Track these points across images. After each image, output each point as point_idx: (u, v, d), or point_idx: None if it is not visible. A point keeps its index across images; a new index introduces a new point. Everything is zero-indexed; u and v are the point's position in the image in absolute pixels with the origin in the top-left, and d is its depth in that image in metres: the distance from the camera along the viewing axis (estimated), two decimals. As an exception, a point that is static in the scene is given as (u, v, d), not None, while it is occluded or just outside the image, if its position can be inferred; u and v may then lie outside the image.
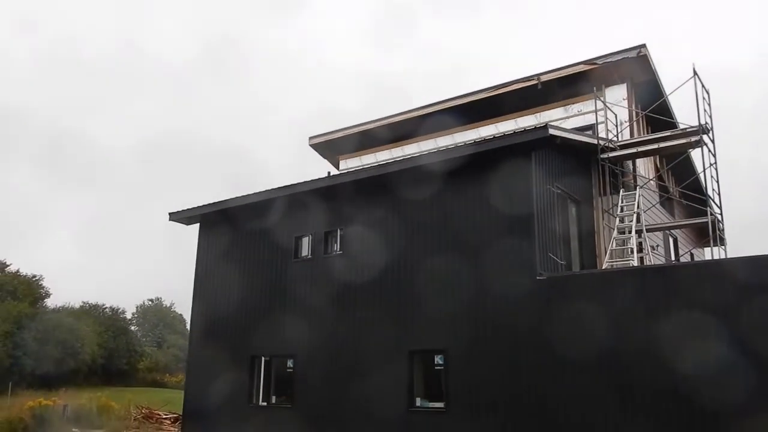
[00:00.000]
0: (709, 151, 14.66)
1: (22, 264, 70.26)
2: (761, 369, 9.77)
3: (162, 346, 65.17)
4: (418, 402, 13.29)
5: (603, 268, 14.04)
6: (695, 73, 14.52)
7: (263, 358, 16.12)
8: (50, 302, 50.24)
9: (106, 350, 45.98)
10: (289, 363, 15.55)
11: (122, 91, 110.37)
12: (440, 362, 13.08)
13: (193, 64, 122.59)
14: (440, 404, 12.91)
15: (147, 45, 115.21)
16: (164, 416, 23.59)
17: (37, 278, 49.42)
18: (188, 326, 20.00)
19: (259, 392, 15.96)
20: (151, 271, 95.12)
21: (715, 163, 14.80)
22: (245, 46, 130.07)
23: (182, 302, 73.57)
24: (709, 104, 14.81)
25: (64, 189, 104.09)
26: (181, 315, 71.91)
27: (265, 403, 15.86)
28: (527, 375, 11.71)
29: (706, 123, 14.46)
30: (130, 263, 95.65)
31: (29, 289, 46.95)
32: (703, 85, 14.63)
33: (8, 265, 48.87)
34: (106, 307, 54.39)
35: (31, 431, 18.70)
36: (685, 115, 16.47)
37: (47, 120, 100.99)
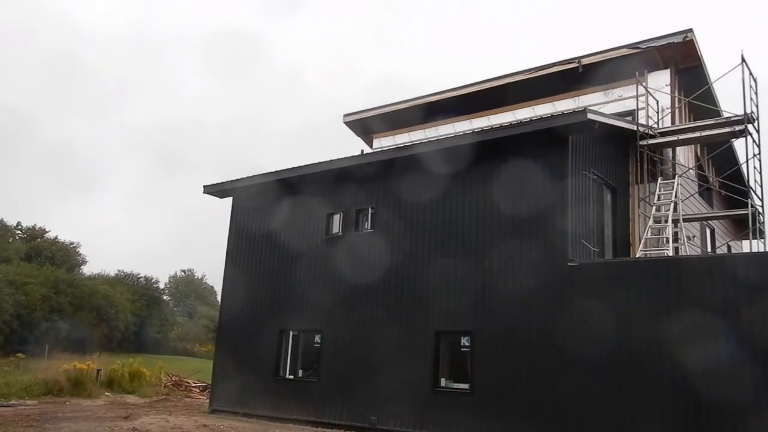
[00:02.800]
0: (754, 141, 14.25)
1: (60, 231, 72.12)
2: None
3: (193, 316, 66.39)
4: (443, 382, 13.33)
5: (637, 257, 13.81)
6: (743, 60, 14.08)
7: (291, 333, 16.30)
8: (86, 269, 51.60)
9: (139, 318, 47.00)
10: (317, 338, 15.70)
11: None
12: (466, 344, 13.07)
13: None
14: (465, 385, 12.93)
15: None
16: (193, 384, 24.08)
17: (74, 245, 50.74)
18: (219, 298, 20.32)
19: (286, 365, 16.17)
20: (184, 243, 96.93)
21: (759, 153, 14.39)
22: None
23: (214, 274, 74.85)
24: (756, 93, 14.36)
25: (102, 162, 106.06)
26: (212, 287, 73.21)
27: (291, 377, 16.08)
28: (555, 359, 11.63)
29: (752, 112, 14.04)
30: (165, 235, 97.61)
31: (66, 256, 48.26)
32: (750, 73, 14.20)
33: (47, 232, 50.23)
34: (140, 277, 55.55)
35: (65, 393, 19.22)
36: (730, 103, 16.05)
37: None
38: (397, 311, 14.15)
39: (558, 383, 11.50)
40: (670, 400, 10.39)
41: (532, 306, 12.15)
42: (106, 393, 20.38)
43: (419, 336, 13.62)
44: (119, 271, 54.76)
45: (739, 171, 16.64)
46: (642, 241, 14.14)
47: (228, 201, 18.82)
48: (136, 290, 50.86)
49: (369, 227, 15.26)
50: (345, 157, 15.74)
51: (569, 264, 11.85)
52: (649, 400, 10.59)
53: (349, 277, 15.13)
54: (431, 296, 13.67)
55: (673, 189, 14.55)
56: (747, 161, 14.25)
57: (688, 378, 10.22)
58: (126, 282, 52.45)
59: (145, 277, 55.86)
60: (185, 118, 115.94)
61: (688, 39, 15.26)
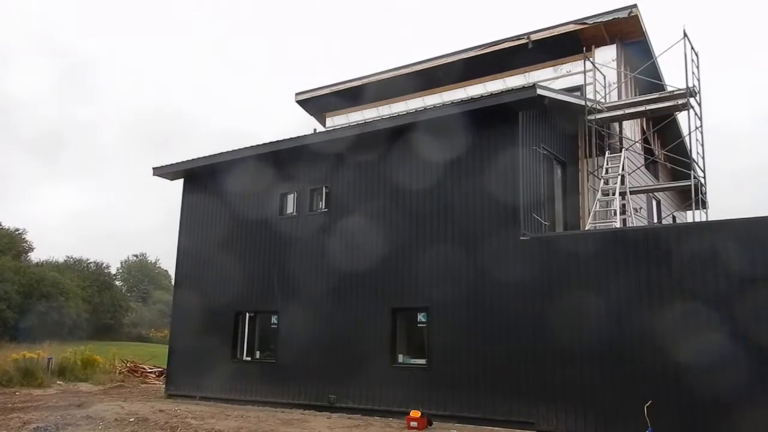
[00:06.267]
0: (696, 114, 14.67)
1: (4, 217, 69.63)
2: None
3: (147, 301, 65.37)
4: (401, 359, 13.49)
5: (585, 229, 14.15)
6: (685, 34, 14.43)
7: (247, 314, 16.20)
8: (33, 256, 50.10)
9: (91, 305, 46.03)
10: (273, 319, 15.65)
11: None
12: (422, 320, 13.23)
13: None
14: (422, 361, 13.10)
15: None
16: (149, 370, 23.77)
17: (20, 232, 49.13)
18: (173, 282, 20.03)
19: (243, 347, 16.09)
20: (136, 227, 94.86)
21: (701, 126, 14.84)
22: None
23: (168, 258, 73.64)
24: (698, 67, 14.77)
25: (48, 150, 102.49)
26: (166, 271, 72.08)
27: (249, 358, 16.01)
28: (508, 334, 11.88)
29: (694, 86, 14.44)
30: (116, 219, 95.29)
31: (12, 243, 46.68)
32: (692, 48, 14.56)
33: (-10, 219, 48.43)
34: (90, 262, 54.33)
35: (15, 383, 18.73)
36: (674, 77, 16.49)
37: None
38: (353, 287, 14.19)
39: (513, 353, 11.79)
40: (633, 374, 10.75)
41: (486, 281, 12.31)
42: (58, 382, 19.94)
43: (377, 312, 13.70)
44: (68, 257, 53.50)
45: (682, 144, 17.15)
46: (591, 214, 14.48)
47: (179, 183, 18.47)
48: (87, 276, 49.76)
49: (323, 206, 15.21)
50: (294, 137, 15.59)
51: (521, 238, 12.06)
52: (629, 382, 10.93)
53: (303, 256, 15.10)
54: (387, 272, 13.74)
55: (620, 162, 14.92)
56: (689, 134, 14.68)
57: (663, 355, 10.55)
58: (75, 268, 51.23)
59: (95, 262, 54.72)
60: (151, 103, 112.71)
61: (632, 14, 15.56)
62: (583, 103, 15.00)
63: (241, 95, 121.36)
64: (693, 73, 14.47)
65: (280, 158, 15.87)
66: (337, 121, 20.91)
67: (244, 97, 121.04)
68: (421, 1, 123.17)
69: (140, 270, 73.28)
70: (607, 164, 15.07)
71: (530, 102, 12.60)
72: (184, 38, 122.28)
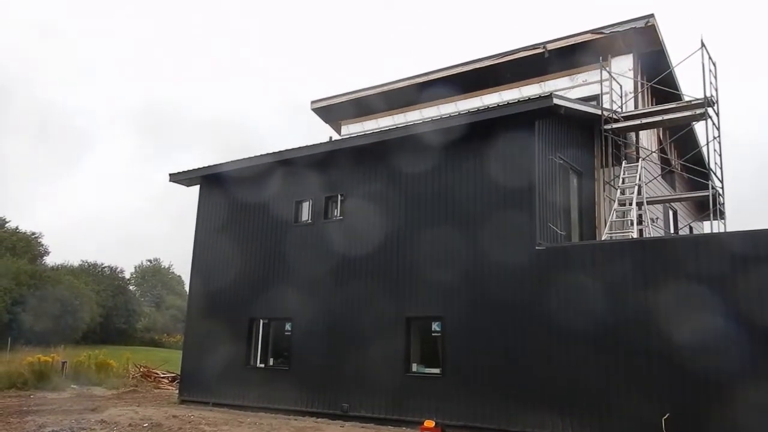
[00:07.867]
0: (714, 124, 14.56)
1: (21, 221, 70.40)
2: (755, 339, 9.78)
3: (160, 306, 65.65)
4: (415, 368, 13.43)
5: (602, 239, 14.05)
6: (703, 44, 14.35)
7: (261, 321, 16.22)
8: (49, 260, 50.52)
9: (105, 309, 46.31)
10: (287, 326, 15.65)
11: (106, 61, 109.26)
12: (437, 329, 13.17)
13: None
14: (436, 370, 13.04)
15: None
16: (162, 375, 23.83)
17: (36, 235, 49.57)
18: (187, 288, 20.12)
19: (256, 354, 16.10)
20: (150, 233, 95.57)
21: (719, 136, 14.72)
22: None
23: (181, 264, 74.09)
24: (716, 76, 14.66)
25: (61, 153, 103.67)
26: (179, 277, 72.44)
27: (262, 365, 16.01)
28: (523, 343, 11.81)
29: (712, 96, 14.33)
30: (130, 224, 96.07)
31: (28, 246, 47.11)
32: (710, 57, 14.46)
33: (7, 222, 48.95)
34: (104, 267, 54.72)
35: (30, 386, 18.89)
36: (691, 87, 16.40)
37: (36, 88, 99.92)
38: (368, 295, 14.16)
39: (525, 363, 11.71)
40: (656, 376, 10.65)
41: (501, 291, 12.25)
42: (72, 385, 20.04)
43: (391, 320, 13.65)
44: (83, 261, 53.91)
45: (699, 154, 17.03)
46: (607, 224, 14.38)
47: (195, 189, 18.57)
48: (101, 281, 50.09)
49: (338, 214, 15.22)
50: (310, 145, 15.66)
51: (537, 248, 11.99)
52: (635, 378, 10.83)
53: (318, 264, 15.10)
54: (402, 281, 13.71)
55: (637, 172, 14.82)
56: (707, 144, 14.57)
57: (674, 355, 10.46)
58: (90, 272, 51.60)
59: (109, 267, 55.11)
60: (159, 103, 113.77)
61: (649, 24, 15.50)
62: (599, 112, 14.93)
63: (240, 99, 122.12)
64: (711, 82, 14.38)
65: (295, 166, 15.92)
66: (352, 129, 20.96)
67: (243, 100, 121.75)
68: (422, 7, 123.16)
69: (154, 275, 73.69)
70: (624, 174, 14.97)
71: (546, 111, 12.56)
72: (185, 45, 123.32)
